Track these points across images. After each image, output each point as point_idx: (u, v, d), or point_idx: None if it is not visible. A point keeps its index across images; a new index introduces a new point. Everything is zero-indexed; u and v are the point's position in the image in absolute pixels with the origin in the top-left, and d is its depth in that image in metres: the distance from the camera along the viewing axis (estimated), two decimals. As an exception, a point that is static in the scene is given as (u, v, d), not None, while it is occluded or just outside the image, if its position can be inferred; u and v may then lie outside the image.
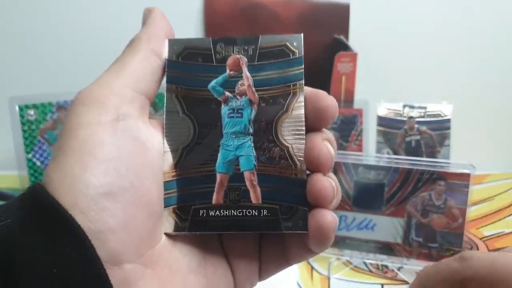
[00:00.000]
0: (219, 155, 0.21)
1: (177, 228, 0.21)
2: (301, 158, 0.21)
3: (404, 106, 0.63)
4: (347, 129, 0.63)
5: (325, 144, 0.21)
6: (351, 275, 0.50)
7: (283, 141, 0.21)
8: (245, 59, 0.22)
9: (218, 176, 0.21)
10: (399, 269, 0.50)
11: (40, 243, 0.17)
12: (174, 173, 0.21)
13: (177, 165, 0.21)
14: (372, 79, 0.72)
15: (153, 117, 0.22)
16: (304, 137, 0.21)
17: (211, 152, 0.21)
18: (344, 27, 0.72)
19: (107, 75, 0.21)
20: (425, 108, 0.63)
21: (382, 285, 0.49)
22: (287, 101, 0.21)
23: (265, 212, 0.21)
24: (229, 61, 0.22)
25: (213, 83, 0.22)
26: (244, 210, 0.21)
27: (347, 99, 0.63)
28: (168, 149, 0.21)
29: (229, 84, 0.22)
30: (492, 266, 0.22)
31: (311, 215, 0.20)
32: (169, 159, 0.21)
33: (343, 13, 0.72)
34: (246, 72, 0.22)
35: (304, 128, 0.21)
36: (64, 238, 0.17)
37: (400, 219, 0.50)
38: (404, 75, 0.76)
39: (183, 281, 0.21)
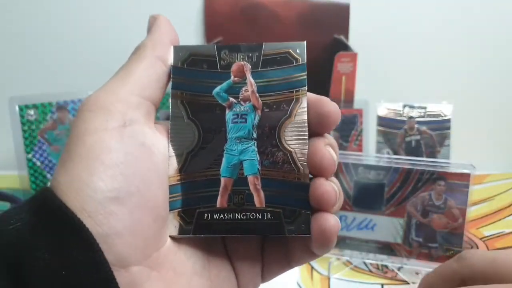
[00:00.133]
0: (224, 159, 0.22)
1: (182, 231, 0.21)
2: (304, 163, 0.21)
3: (404, 106, 0.63)
4: (347, 129, 0.63)
5: (328, 149, 0.21)
6: (351, 275, 0.50)
7: (286, 146, 0.22)
8: (249, 66, 0.23)
9: (223, 180, 0.22)
10: (399, 269, 0.50)
11: (49, 246, 0.17)
12: (179, 177, 0.22)
13: (182, 169, 0.22)
14: (372, 79, 0.72)
15: (158, 122, 0.22)
16: (307, 142, 0.22)
17: (216, 157, 0.22)
18: (344, 27, 0.72)
19: (113, 82, 0.21)
20: (425, 108, 0.63)
21: (382, 285, 0.49)
22: (290, 107, 0.22)
23: (268, 216, 0.21)
24: (234, 67, 0.23)
25: (217, 89, 0.22)
26: (248, 214, 0.21)
27: (347, 99, 0.63)
28: (173, 154, 0.22)
29: (233, 90, 0.22)
30: (493, 265, 0.22)
31: (314, 218, 0.21)
32: (174, 164, 0.22)
33: (343, 13, 0.72)
34: (250, 78, 0.22)
35: (307, 133, 0.22)
36: (72, 241, 0.17)
37: (400, 219, 0.50)
38: (404, 75, 0.76)
39: (188, 283, 0.21)
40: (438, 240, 0.49)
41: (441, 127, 0.62)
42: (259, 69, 0.22)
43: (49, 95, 0.58)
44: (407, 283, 0.48)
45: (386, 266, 0.51)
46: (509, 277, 0.21)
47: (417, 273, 0.50)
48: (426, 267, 0.49)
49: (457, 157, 0.61)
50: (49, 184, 0.59)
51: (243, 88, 0.22)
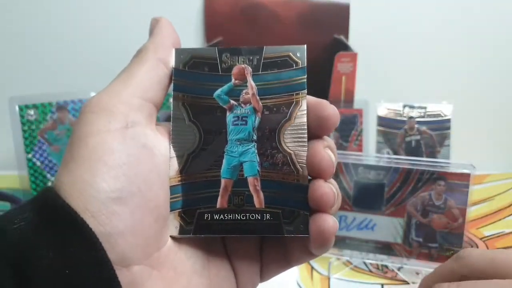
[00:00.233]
0: (224, 161, 0.22)
1: (182, 231, 0.22)
2: (303, 165, 0.22)
3: (404, 106, 0.63)
4: (347, 129, 0.63)
5: (327, 151, 0.21)
6: (351, 275, 0.50)
7: (286, 148, 0.22)
8: (250, 69, 0.23)
9: (223, 181, 0.22)
10: (399, 269, 0.50)
11: (53, 245, 0.17)
12: (180, 178, 0.22)
13: (182, 170, 0.22)
14: (372, 79, 0.72)
15: (159, 124, 0.22)
16: (306, 144, 0.22)
17: (216, 158, 0.22)
18: (344, 27, 0.72)
19: (115, 84, 0.21)
20: (425, 108, 0.63)
21: (382, 285, 0.49)
22: (290, 110, 0.22)
23: (268, 216, 0.22)
24: (234, 70, 0.23)
25: (218, 91, 0.23)
26: (248, 214, 0.22)
27: (347, 99, 0.63)
28: (174, 155, 0.22)
29: (234, 93, 0.23)
30: (492, 264, 0.22)
31: (312, 219, 0.21)
32: (175, 165, 0.22)
33: (343, 13, 0.72)
34: (250, 81, 0.23)
35: (306, 135, 0.22)
36: (76, 240, 0.18)
37: (400, 219, 0.50)
38: (404, 75, 0.76)
39: (188, 282, 0.21)
40: (438, 240, 0.49)
41: (441, 127, 0.62)
42: (260, 72, 0.23)
43: (49, 95, 0.58)
44: (407, 283, 0.48)
45: (386, 266, 0.51)
46: (507, 276, 0.21)
47: (417, 273, 0.50)
48: (426, 267, 0.49)
49: (457, 157, 0.61)
50: (49, 183, 0.59)
51: (244, 91, 0.23)
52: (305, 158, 0.22)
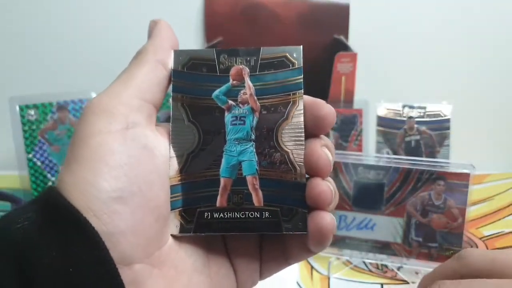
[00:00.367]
0: (223, 160, 0.23)
1: (183, 230, 0.22)
2: (301, 163, 0.22)
3: (404, 106, 0.63)
4: (347, 129, 0.63)
5: (324, 150, 0.22)
6: (351, 275, 0.50)
7: (284, 147, 0.22)
8: (247, 70, 0.23)
9: (222, 180, 0.22)
10: (398, 268, 0.50)
11: (56, 244, 0.18)
12: (179, 178, 0.22)
13: (182, 170, 0.22)
14: (372, 79, 0.72)
15: (159, 125, 0.23)
16: (304, 143, 0.22)
17: (215, 158, 0.23)
18: (344, 27, 0.72)
19: (116, 85, 0.21)
20: (424, 108, 0.63)
21: (382, 284, 0.49)
22: (287, 109, 0.23)
23: (266, 214, 0.22)
24: (232, 71, 0.23)
25: (217, 92, 0.23)
26: (247, 213, 0.22)
27: (347, 99, 0.64)
28: (174, 155, 0.22)
29: (232, 93, 0.23)
30: (492, 264, 0.22)
31: (310, 217, 0.21)
32: (175, 165, 0.22)
33: (343, 13, 0.72)
34: (248, 81, 0.23)
35: (303, 134, 0.22)
36: (79, 239, 0.18)
37: (400, 219, 0.50)
38: (404, 75, 0.76)
39: (188, 280, 0.21)
40: (437, 239, 0.49)
41: (441, 127, 0.62)
42: (257, 73, 0.23)
43: (49, 95, 0.58)
44: (407, 282, 0.49)
45: (386, 266, 0.51)
46: (507, 277, 0.21)
47: (416, 273, 0.50)
48: (425, 267, 0.49)
49: (457, 157, 0.61)
50: (50, 183, 0.59)
51: (242, 91, 0.23)
52: (302, 156, 0.22)
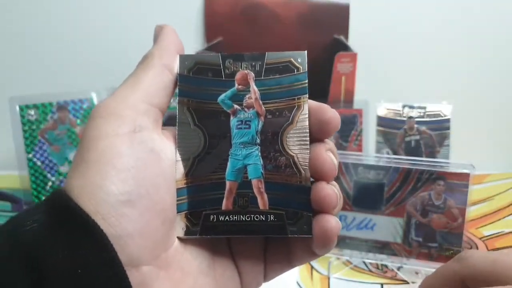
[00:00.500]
0: (228, 164, 0.23)
1: (189, 232, 0.22)
2: (306, 167, 0.22)
3: (404, 106, 0.63)
4: (347, 129, 0.63)
5: (329, 154, 0.22)
6: (351, 275, 0.50)
7: (289, 151, 0.23)
8: (253, 74, 0.23)
9: (228, 184, 0.23)
10: (398, 268, 0.50)
11: (65, 246, 0.18)
12: (186, 181, 0.22)
13: (188, 173, 0.22)
14: (372, 79, 0.73)
15: (165, 128, 0.23)
16: (309, 147, 0.22)
17: (221, 161, 0.23)
18: (344, 27, 0.72)
19: (122, 90, 0.22)
20: (424, 108, 0.63)
21: (382, 284, 0.49)
22: (292, 114, 0.23)
23: (271, 218, 0.22)
24: (238, 76, 0.24)
25: (222, 96, 0.23)
26: (252, 216, 0.22)
27: (347, 99, 0.64)
28: (180, 159, 0.23)
29: (238, 98, 0.23)
30: (494, 266, 0.22)
31: (316, 220, 0.22)
32: (181, 168, 0.22)
33: (343, 13, 0.72)
34: (253, 86, 0.23)
35: (308, 139, 0.23)
36: (87, 242, 0.18)
37: (400, 219, 0.50)
38: (404, 75, 0.76)
39: (194, 282, 0.22)
40: (437, 239, 0.49)
41: (441, 127, 0.62)
42: (262, 78, 0.23)
43: (49, 95, 0.58)
44: (407, 282, 0.49)
45: (386, 266, 0.51)
46: (509, 279, 0.21)
47: (416, 273, 0.50)
48: (425, 267, 0.49)
49: (457, 157, 0.61)
50: (50, 183, 0.59)
51: (247, 96, 0.23)
52: (307, 160, 0.22)
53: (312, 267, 0.51)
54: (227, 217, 0.22)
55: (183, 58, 0.24)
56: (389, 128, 0.63)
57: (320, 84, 0.60)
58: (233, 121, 0.23)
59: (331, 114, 0.22)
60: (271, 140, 0.23)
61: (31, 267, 0.17)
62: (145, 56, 0.23)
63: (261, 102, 0.23)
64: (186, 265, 0.22)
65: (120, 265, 0.18)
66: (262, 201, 0.22)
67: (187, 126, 0.23)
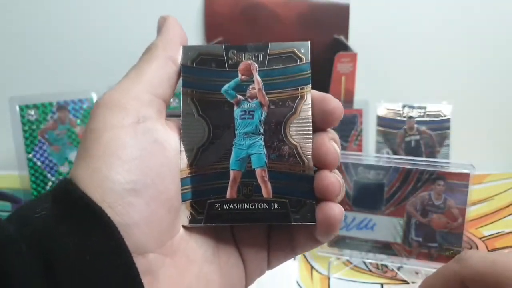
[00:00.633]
0: (232, 153, 0.23)
1: (193, 221, 0.22)
2: (309, 156, 0.23)
3: (404, 106, 0.63)
4: (347, 129, 0.63)
5: (332, 143, 0.22)
6: (351, 275, 0.50)
7: (292, 140, 0.23)
8: (256, 65, 0.24)
9: (232, 173, 0.23)
10: (398, 268, 0.50)
11: (74, 234, 0.18)
12: (190, 171, 0.23)
13: (193, 163, 0.23)
14: (372, 79, 0.73)
15: (169, 119, 0.23)
16: (312, 136, 0.23)
17: (225, 151, 0.23)
18: (344, 27, 0.72)
19: (126, 81, 0.22)
20: (424, 108, 0.63)
21: (382, 284, 0.49)
22: (295, 104, 0.23)
23: (275, 206, 0.23)
24: (241, 66, 0.24)
25: (226, 87, 0.24)
26: (256, 204, 0.23)
27: (347, 99, 0.64)
28: (184, 149, 0.23)
29: (241, 88, 0.23)
30: (493, 267, 0.22)
31: (319, 208, 0.22)
32: (185, 158, 0.23)
33: (343, 13, 0.72)
34: (256, 76, 0.23)
35: (311, 128, 0.23)
36: (95, 229, 0.18)
37: (400, 219, 0.50)
38: (404, 75, 0.76)
39: (199, 269, 0.22)
40: (437, 239, 0.49)
41: (441, 127, 0.62)
42: (265, 68, 0.23)
43: (49, 95, 0.58)
44: (407, 282, 0.49)
45: (386, 266, 0.51)
46: (508, 280, 0.21)
47: (416, 273, 0.50)
48: (425, 267, 0.49)
49: (457, 157, 0.61)
50: (50, 183, 0.58)
51: (250, 86, 0.23)
52: (310, 149, 0.22)
53: (312, 267, 0.51)
54: (231, 206, 0.23)
55: (187, 49, 0.24)
56: (389, 128, 0.63)
57: (320, 84, 0.60)
58: (237, 111, 0.23)
59: (335, 104, 0.22)
60: (275, 130, 0.23)
61: (42, 253, 0.18)
62: (148, 47, 0.23)
63: (264, 92, 0.23)
64: (191, 252, 0.22)
65: (128, 253, 0.19)
66: (266, 190, 0.23)
67: (191, 117, 0.23)
